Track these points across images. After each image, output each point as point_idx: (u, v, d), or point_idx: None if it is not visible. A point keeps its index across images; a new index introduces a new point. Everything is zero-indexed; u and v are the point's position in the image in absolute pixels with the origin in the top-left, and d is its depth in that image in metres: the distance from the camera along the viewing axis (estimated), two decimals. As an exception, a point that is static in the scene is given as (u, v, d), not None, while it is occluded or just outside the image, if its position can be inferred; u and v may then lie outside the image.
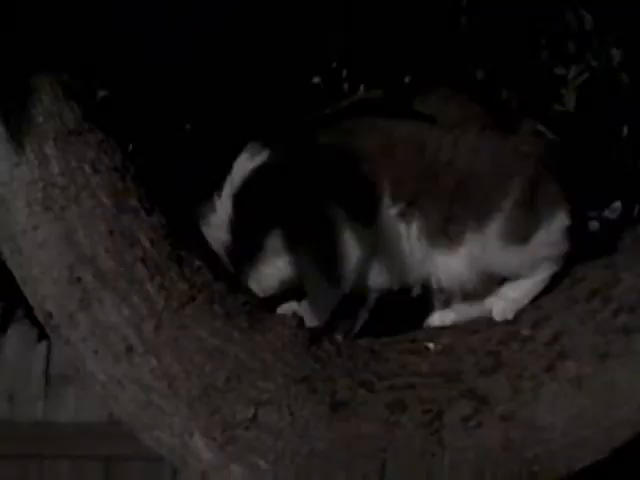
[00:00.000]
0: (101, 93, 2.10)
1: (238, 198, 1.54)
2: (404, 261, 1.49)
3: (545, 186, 1.46)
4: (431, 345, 1.44)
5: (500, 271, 1.49)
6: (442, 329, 1.49)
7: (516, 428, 1.37)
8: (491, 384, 1.39)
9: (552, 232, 1.47)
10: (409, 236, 1.48)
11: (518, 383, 1.39)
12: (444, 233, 1.46)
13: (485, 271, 1.48)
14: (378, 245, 1.49)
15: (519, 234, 1.46)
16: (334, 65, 2.18)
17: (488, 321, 1.47)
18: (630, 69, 1.91)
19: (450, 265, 1.47)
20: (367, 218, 1.48)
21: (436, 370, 1.41)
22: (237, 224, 1.53)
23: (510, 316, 1.46)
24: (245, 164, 1.54)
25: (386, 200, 1.47)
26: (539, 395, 1.38)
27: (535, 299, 1.48)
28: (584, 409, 1.38)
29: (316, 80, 2.19)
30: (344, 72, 2.16)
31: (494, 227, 1.45)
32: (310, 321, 1.45)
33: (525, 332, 1.43)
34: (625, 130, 1.95)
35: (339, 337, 1.45)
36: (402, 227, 1.48)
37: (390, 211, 1.48)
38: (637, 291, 1.42)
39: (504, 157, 1.47)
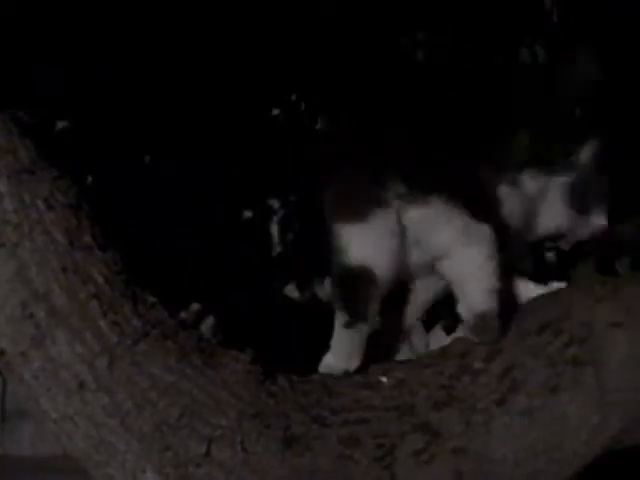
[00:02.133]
0: (60, 124, 2.11)
1: None
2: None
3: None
4: (384, 379, 1.45)
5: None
6: (396, 363, 1.50)
7: (468, 461, 1.38)
8: (444, 417, 1.40)
9: None
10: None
11: (470, 416, 1.40)
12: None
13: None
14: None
15: None
16: (293, 98, 2.20)
17: (441, 354, 1.48)
18: (585, 104, 1.94)
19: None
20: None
21: (389, 404, 1.42)
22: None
23: (493, 302, 1.44)
24: None
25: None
26: (491, 428, 1.39)
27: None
28: (535, 441, 1.39)
29: (275, 112, 2.21)
30: (302, 105, 2.18)
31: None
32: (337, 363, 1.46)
33: (477, 365, 1.44)
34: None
35: (293, 375, 1.45)
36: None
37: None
38: (587, 324, 1.43)
39: None
